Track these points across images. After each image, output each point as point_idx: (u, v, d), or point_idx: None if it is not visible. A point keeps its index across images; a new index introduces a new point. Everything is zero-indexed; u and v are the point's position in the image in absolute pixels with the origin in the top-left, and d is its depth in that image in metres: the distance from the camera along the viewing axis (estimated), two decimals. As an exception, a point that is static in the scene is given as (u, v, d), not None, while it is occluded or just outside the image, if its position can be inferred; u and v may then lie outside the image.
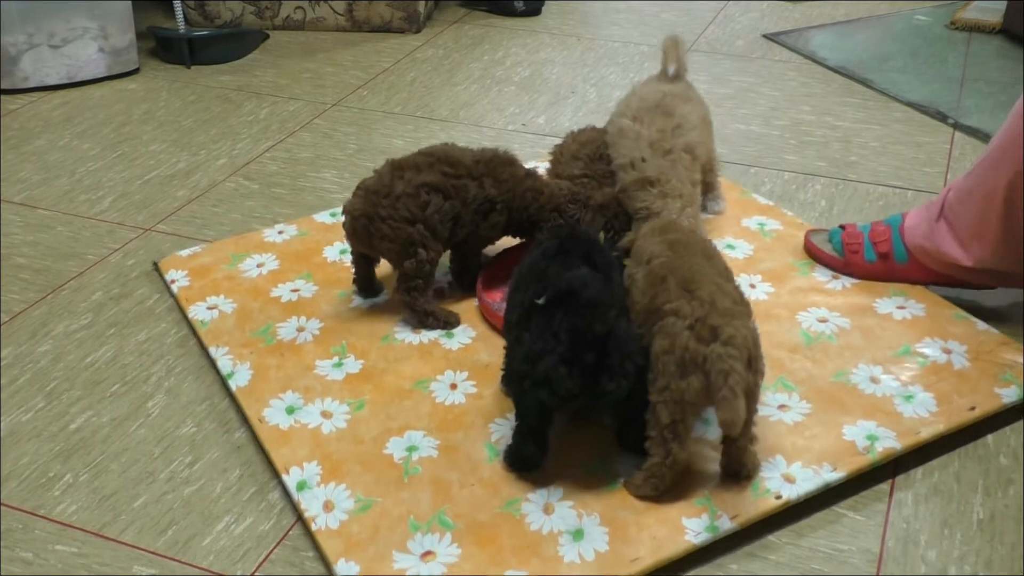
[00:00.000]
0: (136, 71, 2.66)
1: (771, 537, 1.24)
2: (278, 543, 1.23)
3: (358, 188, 1.56)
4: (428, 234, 1.54)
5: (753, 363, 1.20)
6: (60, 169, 2.16)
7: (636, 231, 1.48)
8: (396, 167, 1.56)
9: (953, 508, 1.29)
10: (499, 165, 1.62)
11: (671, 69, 1.79)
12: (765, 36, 2.93)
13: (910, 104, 2.45)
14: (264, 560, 1.21)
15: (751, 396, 1.20)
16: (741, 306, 1.26)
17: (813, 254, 1.73)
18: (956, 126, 2.33)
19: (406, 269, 1.55)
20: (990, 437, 1.40)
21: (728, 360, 1.16)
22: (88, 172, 2.14)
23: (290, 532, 1.25)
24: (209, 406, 1.46)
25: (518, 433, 1.30)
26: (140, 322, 1.65)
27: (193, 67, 2.70)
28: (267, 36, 2.91)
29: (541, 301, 1.22)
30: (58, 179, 2.11)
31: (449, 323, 1.59)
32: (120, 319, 1.65)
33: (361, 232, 1.54)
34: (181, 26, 2.70)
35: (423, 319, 1.58)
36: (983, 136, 2.27)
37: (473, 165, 1.59)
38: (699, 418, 1.28)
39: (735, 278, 1.34)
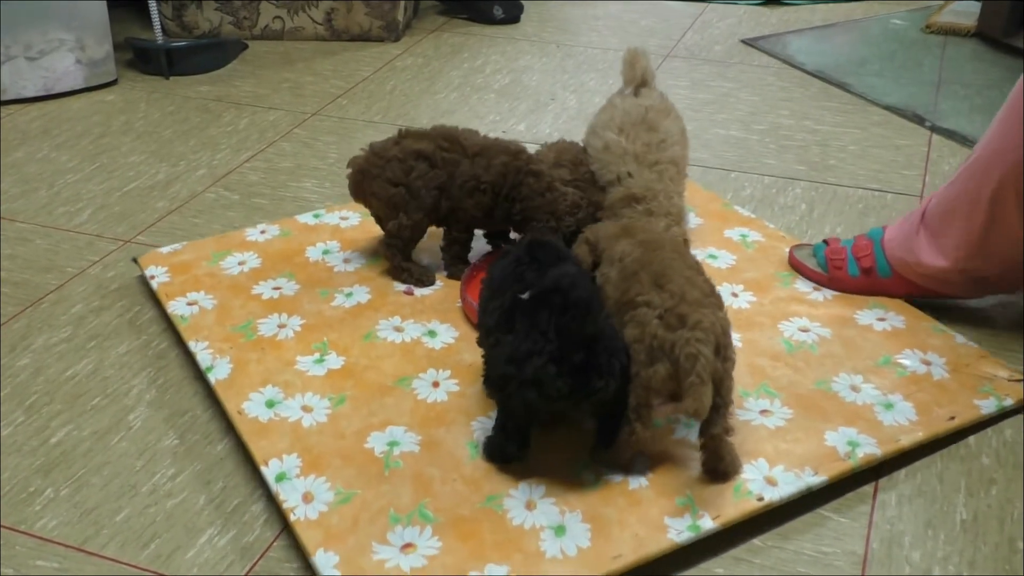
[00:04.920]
0: (114, 82, 2.65)
1: (756, 541, 1.24)
2: (262, 555, 1.23)
3: (368, 146, 1.70)
4: (410, 199, 1.64)
5: (722, 351, 1.22)
6: (38, 181, 2.14)
7: (591, 230, 1.48)
8: (402, 135, 1.70)
9: (936, 509, 1.29)
10: (497, 151, 1.67)
11: (629, 90, 1.78)
12: (743, 41, 2.94)
13: (887, 107, 2.47)
14: (248, 572, 1.20)
15: (720, 383, 1.22)
16: (711, 298, 1.28)
17: (798, 269, 1.73)
18: (933, 129, 2.35)
19: (389, 228, 1.68)
20: (972, 438, 1.40)
21: (695, 344, 1.18)
22: (66, 184, 2.13)
23: (274, 544, 1.24)
24: (191, 418, 1.45)
25: (500, 431, 1.30)
26: (121, 334, 1.63)
27: (172, 78, 2.69)
28: (246, 46, 2.90)
29: (526, 296, 1.22)
30: (36, 192, 2.10)
31: (423, 280, 1.69)
32: (100, 331, 1.64)
33: (355, 186, 1.69)
34: (159, 37, 2.69)
35: (398, 273, 1.69)
36: (960, 138, 2.29)
37: (471, 147, 1.67)
38: (665, 402, 1.29)
39: (713, 281, 1.35)
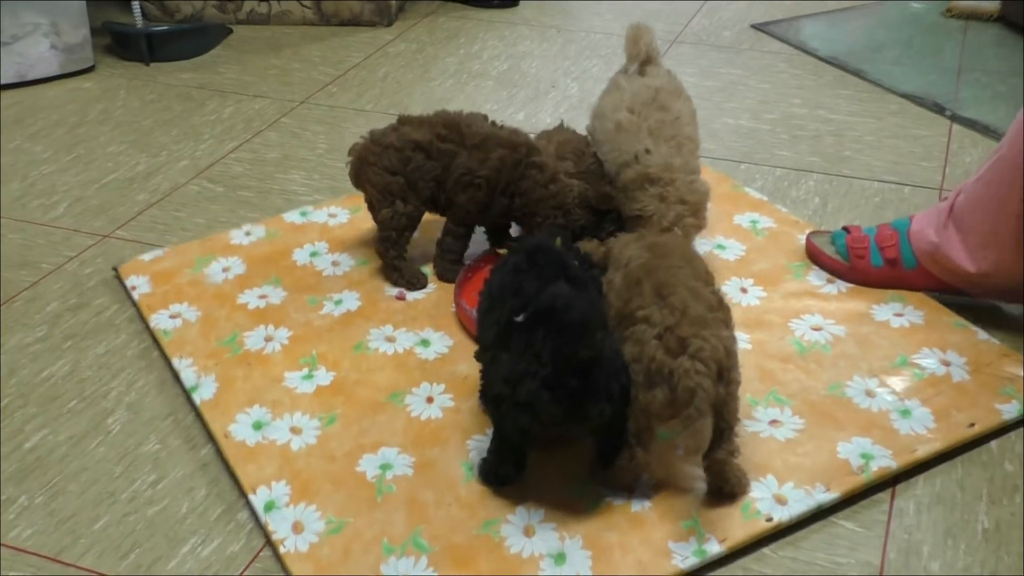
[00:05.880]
0: (91, 69, 2.65)
1: (766, 550, 1.24)
2: (248, 565, 1.23)
3: (368, 133, 1.72)
4: (407, 188, 1.66)
5: (725, 374, 1.21)
6: (11, 173, 2.14)
7: (609, 242, 1.47)
8: (402, 121, 1.72)
9: (956, 517, 1.29)
10: (496, 143, 1.66)
11: (633, 67, 1.78)
12: (753, 26, 2.94)
13: (905, 96, 2.47)
14: (233, 584, 1.21)
15: (723, 407, 1.21)
16: (717, 312, 1.27)
17: (815, 258, 1.72)
18: (954, 118, 2.35)
19: (382, 217, 1.68)
20: (994, 443, 1.40)
21: (695, 376, 1.17)
22: (41, 176, 2.13)
23: (260, 553, 1.24)
24: (173, 422, 1.45)
25: (496, 452, 1.29)
26: (99, 334, 1.63)
27: (152, 64, 2.68)
28: (230, 31, 2.90)
29: (520, 318, 1.21)
30: (9, 184, 2.10)
31: (413, 284, 1.69)
32: (77, 331, 1.64)
33: (354, 173, 1.71)
34: (139, 21, 2.68)
35: (390, 273, 1.71)
36: (982, 128, 2.29)
37: (470, 137, 1.67)
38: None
39: (716, 282, 1.35)
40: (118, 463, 1.38)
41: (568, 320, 1.16)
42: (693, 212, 1.61)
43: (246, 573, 1.22)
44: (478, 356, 1.33)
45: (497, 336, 1.25)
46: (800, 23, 2.96)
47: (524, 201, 1.66)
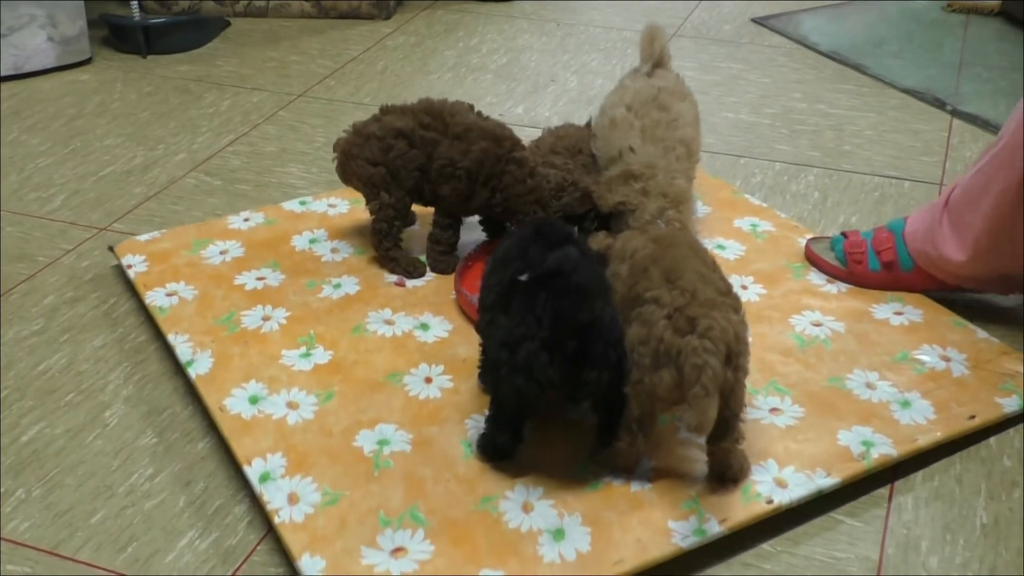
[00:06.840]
0: (88, 61, 2.65)
1: (765, 545, 1.24)
2: (246, 559, 1.23)
3: (351, 126, 1.71)
4: (390, 179, 1.66)
5: (733, 359, 1.20)
6: (8, 166, 2.14)
7: (610, 234, 1.48)
8: (384, 111, 1.71)
9: (955, 512, 1.30)
10: (480, 135, 1.65)
11: (646, 67, 1.79)
12: (754, 20, 2.95)
13: (906, 90, 2.47)
14: (231, 577, 1.21)
15: (731, 394, 1.21)
16: (726, 297, 1.26)
17: (815, 263, 1.72)
18: (954, 113, 2.35)
19: (370, 210, 1.69)
20: (993, 439, 1.41)
21: (703, 354, 1.16)
22: (38, 169, 2.13)
23: (258, 547, 1.24)
24: (171, 415, 1.45)
25: (493, 422, 1.30)
26: (96, 327, 1.64)
27: (149, 57, 2.69)
28: (228, 23, 2.90)
29: (524, 278, 1.21)
30: (6, 176, 2.10)
31: (411, 272, 1.69)
32: (74, 324, 1.64)
33: (340, 169, 1.71)
34: (136, 13, 2.68)
35: (386, 263, 1.71)
36: (982, 123, 2.29)
37: (454, 126, 1.66)
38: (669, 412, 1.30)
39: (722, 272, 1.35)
40: (115, 456, 1.38)
41: (573, 283, 1.18)
42: (674, 205, 1.62)
43: (243, 567, 1.22)
44: (479, 327, 1.33)
45: (497, 298, 1.26)
46: (800, 17, 2.96)
47: (505, 196, 1.66)
